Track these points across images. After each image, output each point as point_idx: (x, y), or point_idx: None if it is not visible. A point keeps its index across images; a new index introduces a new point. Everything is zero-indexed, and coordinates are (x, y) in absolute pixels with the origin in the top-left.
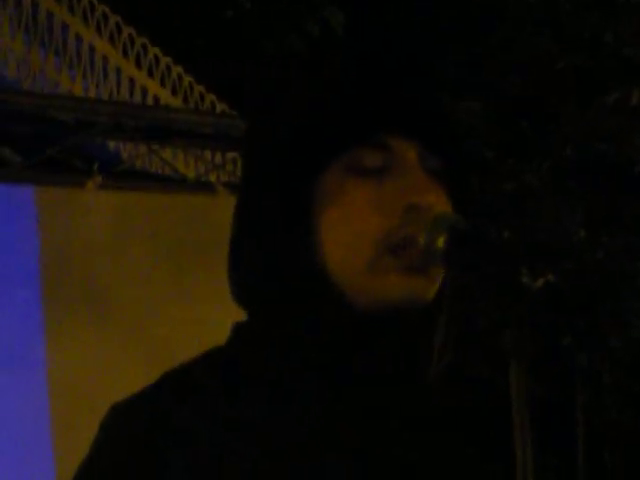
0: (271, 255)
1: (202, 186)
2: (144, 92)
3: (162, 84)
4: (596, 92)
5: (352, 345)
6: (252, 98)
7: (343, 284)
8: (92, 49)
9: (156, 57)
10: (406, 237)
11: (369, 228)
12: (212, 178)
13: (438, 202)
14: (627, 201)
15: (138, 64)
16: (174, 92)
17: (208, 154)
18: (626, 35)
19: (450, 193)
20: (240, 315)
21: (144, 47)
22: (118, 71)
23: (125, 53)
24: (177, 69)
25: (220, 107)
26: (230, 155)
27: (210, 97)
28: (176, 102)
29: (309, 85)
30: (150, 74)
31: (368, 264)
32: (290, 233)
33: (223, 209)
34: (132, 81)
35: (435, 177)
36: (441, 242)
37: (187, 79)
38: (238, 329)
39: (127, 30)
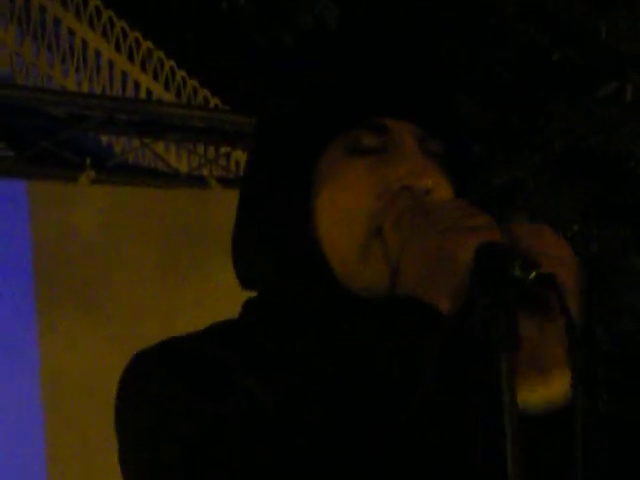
0: (271, 238)
1: (195, 180)
2: (137, 86)
3: (155, 78)
4: (589, 86)
5: (352, 327)
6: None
7: (337, 267)
8: (85, 44)
9: (149, 51)
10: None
11: (361, 208)
12: (205, 172)
13: (436, 186)
14: (620, 194)
15: (131, 58)
16: (167, 87)
17: (201, 148)
18: (619, 29)
19: (453, 180)
20: (231, 308)
21: (137, 41)
22: (111, 65)
23: (118, 48)
24: (170, 63)
25: (213, 102)
26: (223, 150)
27: (203, 92)
28: (169, 96)
29: (306, 69)
30: (143, 68)
31: (359, 248)
32: (290, 215)
33: (216, 203)
34: (125, 75)
35: (436, 161)
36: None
37: (180, 73)
38: (251, 305)
39: (120, 24)
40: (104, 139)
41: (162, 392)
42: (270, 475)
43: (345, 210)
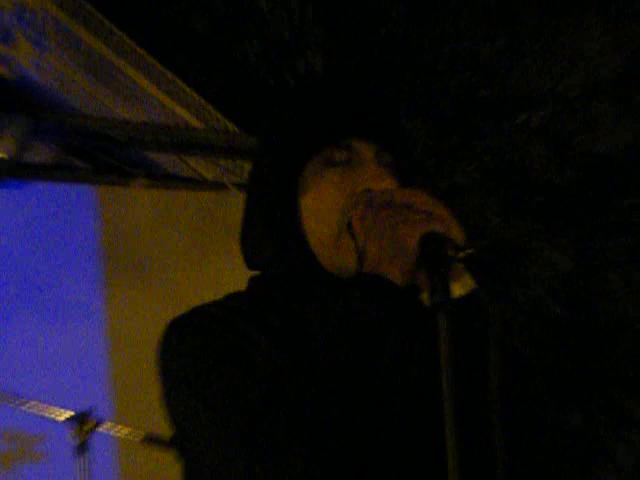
0: (268, 229)
1: (218, 185)
2: (175, 116)
3: (190, 110)
4: (505, 115)
5: (332, 295)
6: (261, 119)
7: (317, 251)
8: (136, 84)
9: (184, 91)
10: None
11: (333, 206)
12: (225, 179)
13: (388, 188)
14: (529, 196)
15: (170, 95)
16: (198, 117)
17: (222, 161)
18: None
19: (401, 182)
20: (241, 280)
21: (174, 82)
22: (157, 103)
23: (161, 87)
24: (199, 98)
25: (231, 127)
26: (239, 162)
27: (224, 120)
28: (199, 124)
29: (296, 104)
30: (181, 103)
31: (333, 237)
32: (280, 211)
33: (233, 202)
34: (166, 108)
35: (389, 170)
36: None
37: (207, 107)
38: (254, 280)
39: (163, 71)
40: (152, 155)
41: (191, 357)
42: (284, 410)
43: (322, 206)
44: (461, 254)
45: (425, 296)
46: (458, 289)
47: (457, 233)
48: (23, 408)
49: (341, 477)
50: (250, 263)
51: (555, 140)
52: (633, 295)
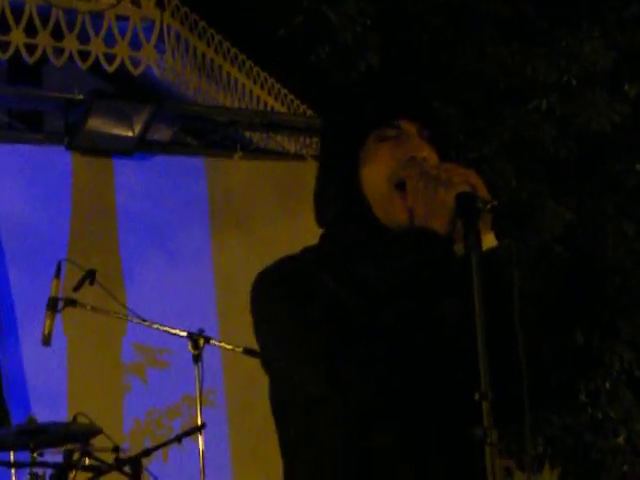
0: (337, 193)
1: (298, 156)
2: (265, 104)
3: (276, 99)
4: (520, 101)
5: (388, 246)
6: (327, 104)
7: (376, 210)
8: (236, 80)
9: (272, 84)
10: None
11: (387, 171)
12: (304, 152)
13: (429, 156)
14: (539, 163)
15: (262, 88)
16: (282, 104)
17: (301, 138)
18: (539, 64)
19: (438, 152)
20: (315, 232)
21: (266, 79)
22: (251, 93)
23: (255, 82)
24: (284, 91)
25: (308, 112)
26: (314, 139)
27: (303, 107)
28: (283, 109)
29: (357, 94)
30: (269, 93)
31: (387, 198)
32: (346, 179)
33: (310, 170)
34: (258, 98)
35: (429, 142)
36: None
37: (290, 97)
38: (323, 236)
39: (255, 69)
40: (247, 134)
41: (275, 298)
42: (345, 326)
43: (379, 172)
44: (487, 206)
45: (458, 246)
46: (485, 244)
47: (483, 192)
48: (152, 327)
49: (394, 377)
50: (321, 220)
51: (560, 120)
52: (622, 240)
